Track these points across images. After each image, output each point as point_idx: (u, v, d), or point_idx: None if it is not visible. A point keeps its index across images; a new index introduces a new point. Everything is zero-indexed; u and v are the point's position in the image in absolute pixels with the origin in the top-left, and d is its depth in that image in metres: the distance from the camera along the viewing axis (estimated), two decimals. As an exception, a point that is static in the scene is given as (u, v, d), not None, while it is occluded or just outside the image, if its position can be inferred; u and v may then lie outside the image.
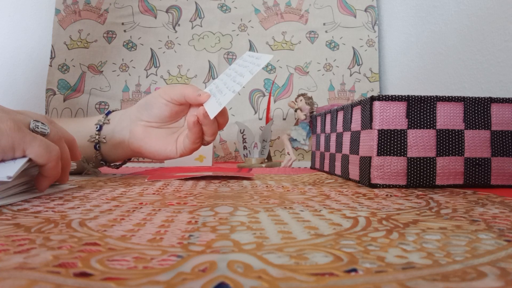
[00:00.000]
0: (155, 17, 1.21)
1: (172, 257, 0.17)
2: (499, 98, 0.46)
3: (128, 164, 0.81)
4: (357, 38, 1.20)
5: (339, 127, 0.58)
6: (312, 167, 0.78)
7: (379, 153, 0.44)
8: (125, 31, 1.20)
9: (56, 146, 0.35)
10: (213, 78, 1.19)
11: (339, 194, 0.38)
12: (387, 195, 0.38)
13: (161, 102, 0.52)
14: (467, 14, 0.79)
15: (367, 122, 0.46)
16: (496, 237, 0.21)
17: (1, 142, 0.31)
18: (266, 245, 0.19)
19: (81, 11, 1.19)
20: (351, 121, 0.52)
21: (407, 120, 0.45)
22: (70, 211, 0.27)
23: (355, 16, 1.21)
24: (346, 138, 0.54)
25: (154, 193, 0.37)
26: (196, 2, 1.22)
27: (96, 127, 0.54)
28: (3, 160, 0.32)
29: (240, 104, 1.18)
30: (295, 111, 0.88)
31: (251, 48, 1.20)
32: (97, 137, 0.54)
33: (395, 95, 0.44)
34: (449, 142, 0.45)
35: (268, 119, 0.95)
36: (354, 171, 0.50)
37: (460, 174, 0.45)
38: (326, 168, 0.65)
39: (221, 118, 0.51)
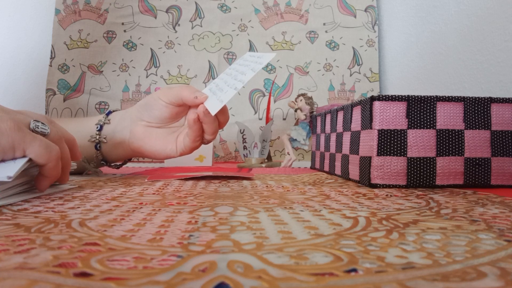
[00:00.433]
0: (155, 17, 1.21)
1: (172, 257, 0.17)
2: (499, 98, 0.46)
3: (128, 164, 0.81)
4: (357, 38, 1.20)
5: (339, 127, 0.58)
6: (312, 167, 0.78)
7: (379, 153, 0.44)
8: (125, 31, 1.20)
9: (56, 146, 0.35)
10: (213, 78, 1.19)
11: (339, 194, 0.38)
12: (387, 195, 0.38)
13: (160, 104, 0.52)
14: (467, 14, 0.79)
15: (367, 122, 0.46)
16: (496, 237, 0.21)
17: (1, 142, 0.31)
18: (266, 245, 0.19)
19: (81, 11, 1.19)
20: (351, 121, 0.52)
21: (407, 120, 0.45)
22: (70, 211, 0.27)
23: (355, 16, 1.21)
24: (346, 138, 0.54)
25: (154, 193, 0.37)
26: (196, 2, 1.22)
27: (97, 127, 0.54)
28: (3, 160, 0.32)
29: (240, 104, 1.18)
30: (295, 111, 0.88)
31: (251, 48, 1.20)
32: (97, 137, 0.54)
33: (395, 95, 0.44)
34: (449, 142, 0.45)
35: (268, 119, 0.95)
36: (354, 171, 0.50)
37: (460, 174, 0.45)
38: (326, 168, 0.65)
39: (222, 117, 0.51)
